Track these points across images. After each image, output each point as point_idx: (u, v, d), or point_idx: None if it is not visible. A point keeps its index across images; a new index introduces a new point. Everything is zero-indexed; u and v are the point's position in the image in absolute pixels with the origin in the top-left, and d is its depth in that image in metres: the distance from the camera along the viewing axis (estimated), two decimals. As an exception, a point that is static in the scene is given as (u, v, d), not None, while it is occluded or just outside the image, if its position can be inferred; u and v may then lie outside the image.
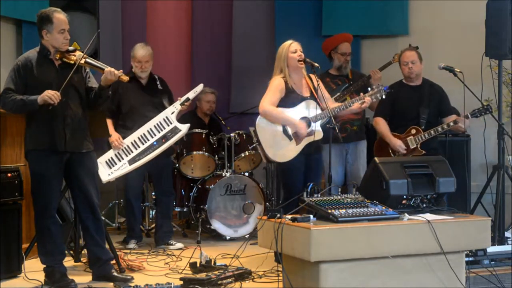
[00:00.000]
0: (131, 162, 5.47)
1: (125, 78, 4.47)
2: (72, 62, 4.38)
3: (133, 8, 7.28)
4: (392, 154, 5.49)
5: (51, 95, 4.19)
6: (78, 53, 4.44)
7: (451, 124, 5.32)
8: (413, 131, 5.45)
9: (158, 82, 5.95)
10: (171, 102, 5.82)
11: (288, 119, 5.02)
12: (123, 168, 5.45)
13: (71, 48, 4.42)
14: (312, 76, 5.16)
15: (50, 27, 4.32)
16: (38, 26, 4.37)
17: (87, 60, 4.42)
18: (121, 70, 4.45)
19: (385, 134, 5.56)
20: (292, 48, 5.06)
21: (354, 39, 6.72)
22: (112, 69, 4.40)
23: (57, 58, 4.39)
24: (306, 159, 5.08)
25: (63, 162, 4.41)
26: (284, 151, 5.04)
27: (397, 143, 5.46)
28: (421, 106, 5.50)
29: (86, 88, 4.54)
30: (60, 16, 4.34)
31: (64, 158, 4.40)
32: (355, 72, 6.28)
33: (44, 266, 4.47)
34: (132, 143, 5.53)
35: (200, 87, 5.79)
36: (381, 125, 5.61)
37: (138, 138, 5.55)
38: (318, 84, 4.97)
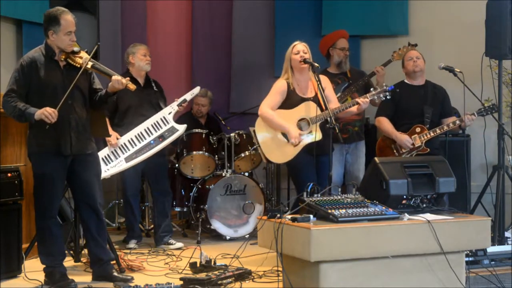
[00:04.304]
0: (127, 159, 5.49)
1: (132, 86, 4.45)
2: (78, 65, 4.34)
3: (133, 8, 7.28)
4: (396, 153, 5.46)
5: (48, 115, 4.15)
6: (83, 54, 4.41)
7: (457, 122, 5.29)
8: (418, 129, 5.42)
9: (153, 84, 5.98)
10: (165, 105, 5.85)
11: (282, 126, 5.07)
12: (119, 165, 5.47)
13: (76, 49, 4.39)
14: (322, 77, 5.18)
15: (57, 28, 4.29)
16: (44, 26, 4.34)
17: (94, 65, 4.40)
18: (128, 78, 4.45)
19: (391, 132, 5.51)
20: (295, 49, 5.11)
21: (354, 39, 6.74)
22: (120, 77, 4.39)
23: (62, 59, 4.37)
24: (316, 158, 5.07)
25: (67, 164, 4.39)
26: (282, 152, 5.08)
27: (404, 138, 5.41)
28: (425, 105, 5.48)
29: (90, 90, 4.53)
30: (68, 18, 4.31)
31: (68, 160, 4.39)
32: (353, 70, 6.28)
33: (44, 266, 4.47)
34: (129, 141, 5.55)
35: (197, 89, 5.89)
36: (385, 123, 5.56)
37: (135, 136, 5.58)
38: (319, 85, 4.95)
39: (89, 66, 4.35)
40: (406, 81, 5.67)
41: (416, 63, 5.55)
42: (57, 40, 4.31)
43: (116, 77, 4.38)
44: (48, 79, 4.31)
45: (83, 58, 4.36)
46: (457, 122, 5.30)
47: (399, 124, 5.53)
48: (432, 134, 5.38)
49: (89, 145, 4.50)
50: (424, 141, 5.39)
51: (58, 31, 4.29)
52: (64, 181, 4.46)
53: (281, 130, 5.09)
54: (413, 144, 5.39)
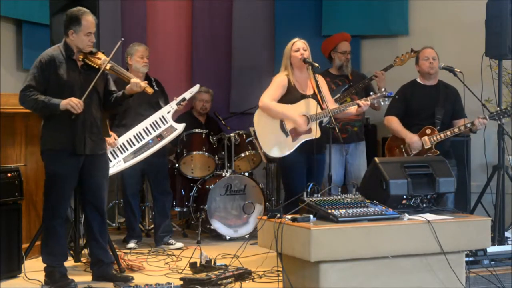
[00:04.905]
0: (126, 159, 5.49)
1: (150, 90, 4.48)
2: (96, 66, 4.36)
3: (133, 8, 7.28)
4: (405, 154, 5.41)
5: (74, 105, 4.18)
6: (101, 55, 4.42)
7: (468, 125, 5.20)
8: (428, 131, 5.34)
9: (154, 83, 5.97)
10: (167, 103, 5.85)
11: (288, 115, 5.03)
12: (118, 165, 5.46)
13: (93, 49, 4.42)
14: (319, 77, 5.16)
15: (77, 28, 4.31)
16: (65, 24, 4.36)
17: (113, 67, 4.42)
18: (146, 82, 4.47)
19: (400, 130, 5.43)
20: (295, 47, 5.09)
21: (354, 39, 6.72)
22: (138, 80, 4.43)
23: (80, 59, 4.38)
24: (308, 159, 5.07)
25: (80, 164, 4.39)
26: (279, 146, 5.06)
27: (415, 139, 5.34)
28: (436, 106, 5.40)
29: (105, 91, 4.54)
30: (89, 18, 4.34)
31: (81, 160, 4.39)
32: (354, 72, 6.27)
33: (45, 265, 4.47)
34: (127, 141, 5.55)
35: (196, 88, 5.86)
36: (395, 123, 5.49)
37: (134, 136, 5.57)
38: (317, 84, 4.96)
39: (108, 67, 4.37)
40: (418, 80, 5.58)
41: (432, 64, 5.44)
42: (76, 39, 4.33)
43: (134, 80, 4.43)
44: (67, 79, 4.32)
45: (102, 60, 4.39)
46: (468, 125, 5.22)
47: (409, 125, 5.45)
48: (442, 136, 5.29)
49: (102, 146, 4.52)
50: (434, 143, 5.32)
51: (79, 31, 4.32)
52: (75, 182, 4.43)
53: (286, 119, 5.03)
54: (422, 146, 5.32)
